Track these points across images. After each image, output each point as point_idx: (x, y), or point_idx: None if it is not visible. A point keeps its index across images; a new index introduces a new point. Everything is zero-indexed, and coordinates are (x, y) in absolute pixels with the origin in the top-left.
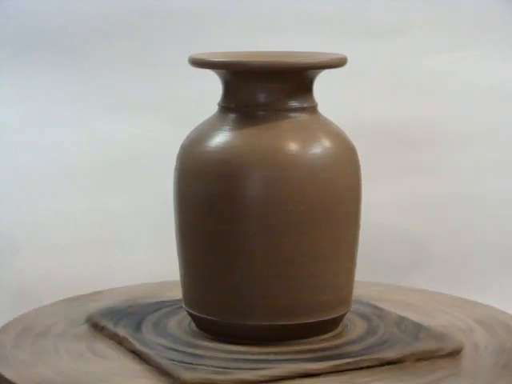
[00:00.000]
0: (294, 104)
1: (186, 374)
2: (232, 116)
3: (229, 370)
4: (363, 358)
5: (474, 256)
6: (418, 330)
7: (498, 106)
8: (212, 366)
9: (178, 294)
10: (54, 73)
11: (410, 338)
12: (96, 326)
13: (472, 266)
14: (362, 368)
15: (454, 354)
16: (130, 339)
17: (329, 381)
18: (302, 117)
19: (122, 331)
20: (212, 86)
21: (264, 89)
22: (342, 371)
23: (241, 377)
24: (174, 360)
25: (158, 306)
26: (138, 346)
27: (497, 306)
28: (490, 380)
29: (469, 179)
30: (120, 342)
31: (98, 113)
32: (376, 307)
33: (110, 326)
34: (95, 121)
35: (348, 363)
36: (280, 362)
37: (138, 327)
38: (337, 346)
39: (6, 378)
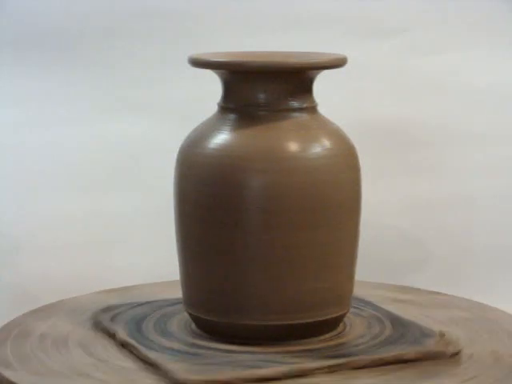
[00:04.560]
0: (294, 104)
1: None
2: (232, 116)
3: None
4: (362, 357)
5: (474, 256)
6: (417, 331)
7: (497, 106)
8: (211, 365)
9: (177, 294)
10: (54, 73)
11: (411, 338)
12: (97, 327)
13: (472, 266)
14: (361, 368)
15: (454, 355)
16: (131, 342)
17: (329, 381)
18: (302, 117)
19: (122, 332)
20: (212, 86)
21: (264, 89)
22: (341, 370)
23: (238, 376)
24: (174, 360)
25: (158, 306)
26: (142, 350)
27: (497, 306)
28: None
29: (469, 179)
30: (121, 344)
31: (97, 113)
32: (375, 307)
33: (110, 326)
34: (95, 121)
35: (347, 363)
36: (280, 362)
37: (138, 328)
38: (337, 346)
39: (6, 378)
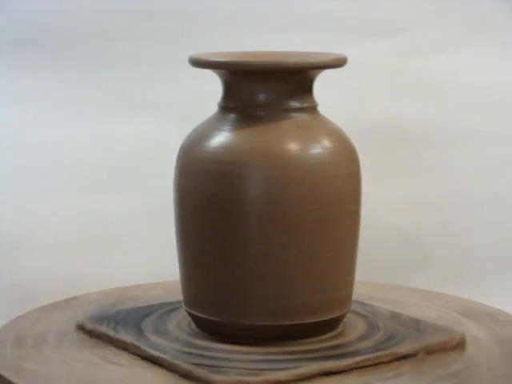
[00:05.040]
0: (294, 104)
1: (215, 377)
2: (232, 116)
3: (256, 371)
4: (379, 354)
5: (474, 256)
6: (419, 325)
7: (497, 106)
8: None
9: (177, 294)
10: (54, 73)
11: (416, 332)
12: (97, 327)
13: (472, 266)
14: (375, 364)
15: (460, 345)
16: (132, 341)
17: (348, 378)
18: (302, 117)
19: (122, 332)
20: (212, 86)
21: (264, 89)
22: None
23: (268, 378)
24: (174, 360)
25: (158, 306)
26: (147, 350)
27: (497, 306)
28: (502, 368)
29: (468, 179)
30: (121, 344)
31: (98, 113)
32: (375, 307)
33: (110, 326)
34: (95, 121)
35: (366, 359)
36: (280, 362)
37: (138, 328)
38: (337, 346)
39: (6, 379)
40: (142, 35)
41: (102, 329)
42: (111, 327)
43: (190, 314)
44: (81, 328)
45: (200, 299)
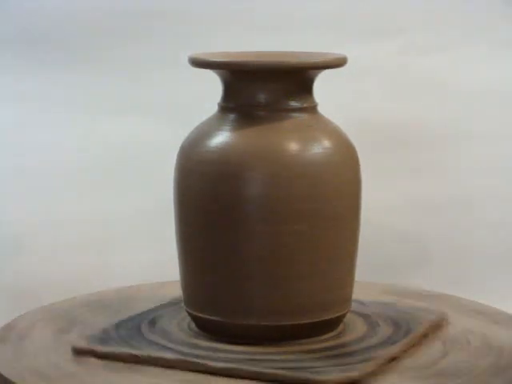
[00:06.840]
0: (294, 104)
1: None
2: (232, 116)
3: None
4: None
5: (474, 256)
6: (417, 326)
7: (497, 106)
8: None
9: (178, 294)
10: (54, 73)
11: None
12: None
13: (472, 266)
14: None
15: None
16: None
17: None
18: (302, 117)
19: (123, 333)
20: (212, 86)
21: (264, 89)
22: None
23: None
24: (174, 360)
25: (158, 306)
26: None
27: (497, 306)
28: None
29: (468, 179)
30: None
31: (97, 113)
32: (375, 307)
33: (110, 326)
34: (95, 121)
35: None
36: (280, 362)
37: (137, 328)
38: (337, 346)
39: (6, 378)
40: (141, 35)
41: (102, 326)
42: (111, 328)
43: (190, 314)
44: (80, 325)
45: (200, 299)
